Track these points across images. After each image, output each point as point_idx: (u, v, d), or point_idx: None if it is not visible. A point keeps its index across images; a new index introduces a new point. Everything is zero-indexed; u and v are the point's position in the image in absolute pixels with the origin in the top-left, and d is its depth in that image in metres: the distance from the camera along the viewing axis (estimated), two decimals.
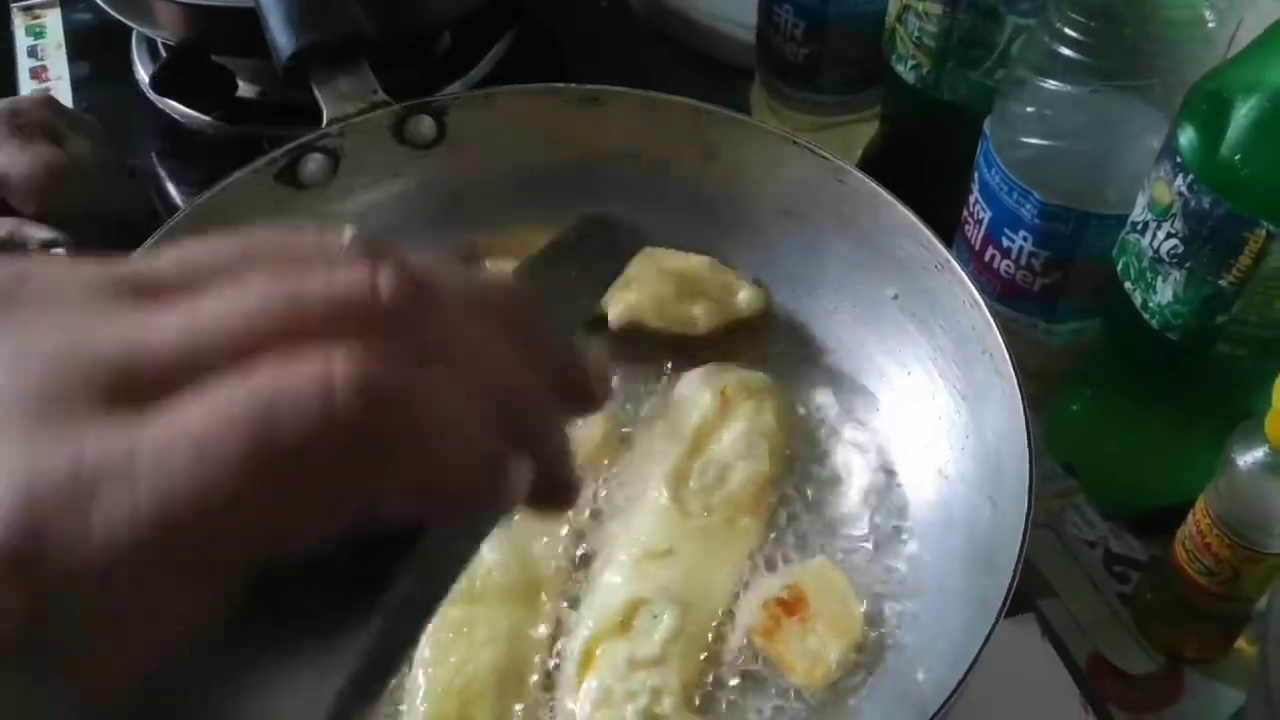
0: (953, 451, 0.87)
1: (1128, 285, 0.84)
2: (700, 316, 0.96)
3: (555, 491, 0.39)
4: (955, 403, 0.88)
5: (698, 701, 0.79)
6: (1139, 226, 0.82)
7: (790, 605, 0.82)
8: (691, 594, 0.82)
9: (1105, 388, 0.96)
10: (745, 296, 0.97)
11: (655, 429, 0.92)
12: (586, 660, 0.79)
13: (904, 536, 0.86)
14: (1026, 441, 0.75)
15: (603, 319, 0.96)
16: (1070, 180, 0.89)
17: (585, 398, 0.39)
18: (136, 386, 0.29)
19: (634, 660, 0.78)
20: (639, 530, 0.86)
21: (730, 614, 0.82)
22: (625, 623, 0.80)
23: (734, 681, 0.80)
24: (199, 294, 0.31)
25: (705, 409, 0.90)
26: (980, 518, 0.81)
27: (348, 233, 0.36)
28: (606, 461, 0.91)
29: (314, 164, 0.95)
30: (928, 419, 0.90)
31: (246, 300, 0.31)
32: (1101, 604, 0.94)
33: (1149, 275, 0.81)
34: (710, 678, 0.80)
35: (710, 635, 0.81)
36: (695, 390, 0.92)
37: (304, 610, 0.32)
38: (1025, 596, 0.93)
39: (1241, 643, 0.90)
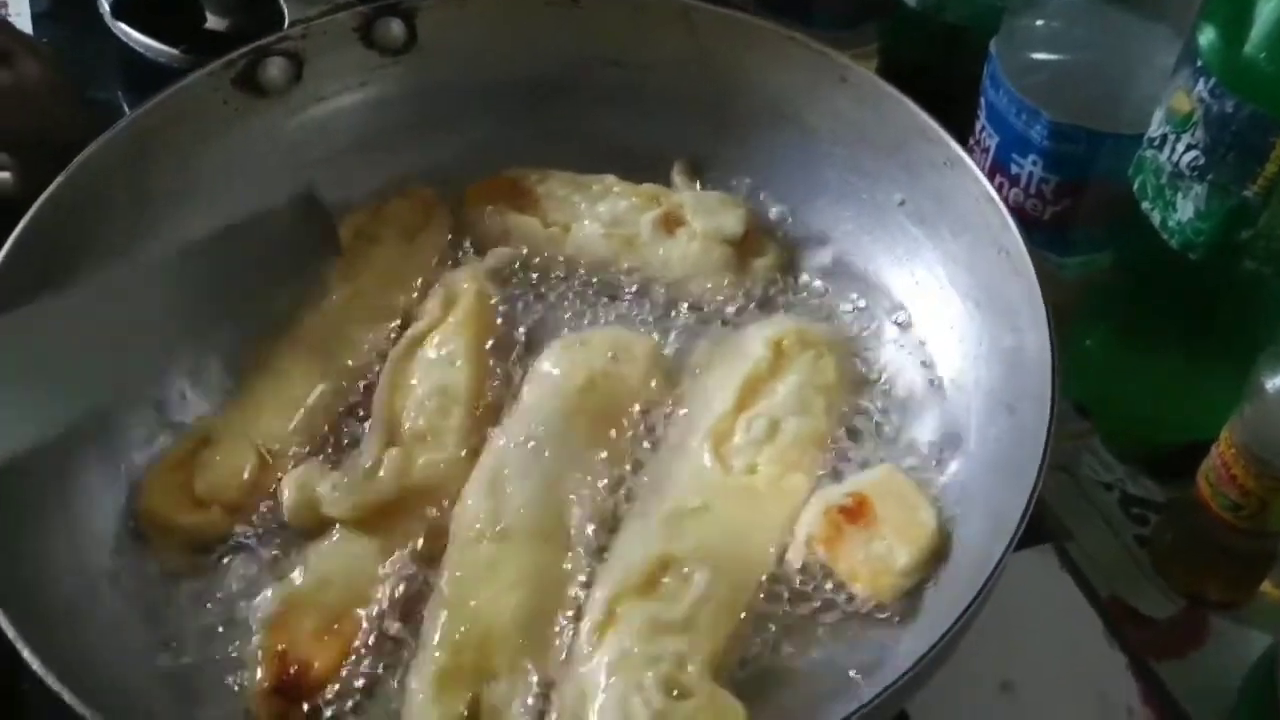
0: (965, 361, 0.84)
1: (1145, 205, 0.80)
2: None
3: None
4: (968, 310, 0.84)
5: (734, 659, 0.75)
6: (1156, 142, 0.78)
7: (854, 512, 0.77)
8: (726, 556, 0.78)
9: (1119, 322, 0.93)
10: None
11: (707, 379, 0.88)
12: (607, 618, 0.76)
13: (935, 451, 0.83)
14: (1048, 339, 0.72)
15: None
16: (1081, 98, 0.86)
17: None
18: None
19: (657, 623, 0.74)
20: (674, 484, 0.82)
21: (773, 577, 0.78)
22: (651, 582, 0.76)
23: (791, 595, 0.77)
24: None
25: (757, 360, 0.86)
26: (998, 427, 0.78)
27: None
28: (653, 409, 0.86)
29: (275, 69, 0.90)
30: (939, 329, 0.86)
31: None
32: (1119, 547, 0.91)
33: (1168, 192, 0.78)
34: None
35: (747, 601, 0.77)
36: (749, 341, 0.88)
37: None
38: (1042, 531, 0.90)
39: (1267, 585, 0.87)
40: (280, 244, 0.86)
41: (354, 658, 0.76)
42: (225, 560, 0.81)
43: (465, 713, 0.73)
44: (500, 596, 0.76)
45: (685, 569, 0.76)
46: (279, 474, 0.83)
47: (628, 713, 0.71)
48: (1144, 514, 0.92)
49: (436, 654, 0.75)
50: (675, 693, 0.72)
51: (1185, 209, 0.76)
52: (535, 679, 0.74)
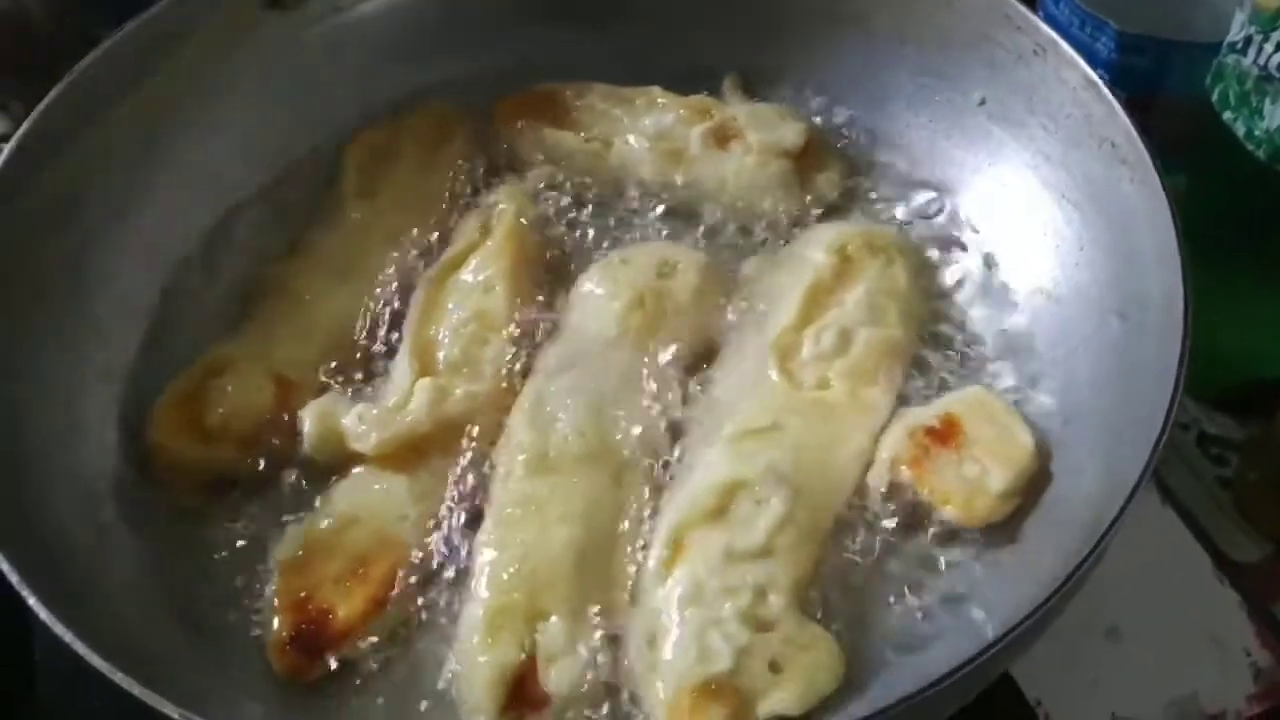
0: (1061, 268, 0.76)
1: (1227, 115, 0.74)
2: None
3: None
4: (1065, 212, 0.77)
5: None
6: (1239, 45, 0.72)
7: (943, 433, 0.71)
8: (804, 477, 0.70)
9: (1193, 249, 0.84)
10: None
11: (766, 292, 0.80)
12: (675, 549, 0.68)
13: (1028, 370, 0.75)
14: (1173, 228, 0.65)
15: None
16: (1150, 6, 0.80)
17: None
18: None
19: (732, 551, 0.67)
20: (738, 403, 0.74)
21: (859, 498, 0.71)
22: (721, 508, 0.69)
23: (875, 519, 0.70)
24: None
25: (819, 268, 0.78)
26: (1106, 338, 0.71)
27: None
28: (707, 326, 0.79)
29: None
30: (1029, 235, 0.79)
31: None
32: (1201, 490, 0.84)
33: (1254, 99, 0.72)
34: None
35: (827, 526, 0.69)
36: (809, 248, 0.80)
37: None
38: None
39: None
40: None
41: (384, 606, 0.69)
42: (241, 499, 0.73)
43: (522, 657, 0.65)
44: (549, 531, 0.69)
45: (758, 493, 0.69)
46: (297, 405, 0.75)
47: (706, 649, 0.64)
48: (1223, 454, 0.85)
49: (484, 595, 0.67)
50: (757, 626, 0.65)
51: (1275, 115, 0.71)
52: (598, 618, 0.67)
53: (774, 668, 0.65)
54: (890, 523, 0.70)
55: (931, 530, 0.70)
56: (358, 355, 0.79)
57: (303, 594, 0.69)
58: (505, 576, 0.68)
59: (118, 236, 0.79)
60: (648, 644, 0.66)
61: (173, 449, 0.73)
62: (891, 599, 0.68)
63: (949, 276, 0.80)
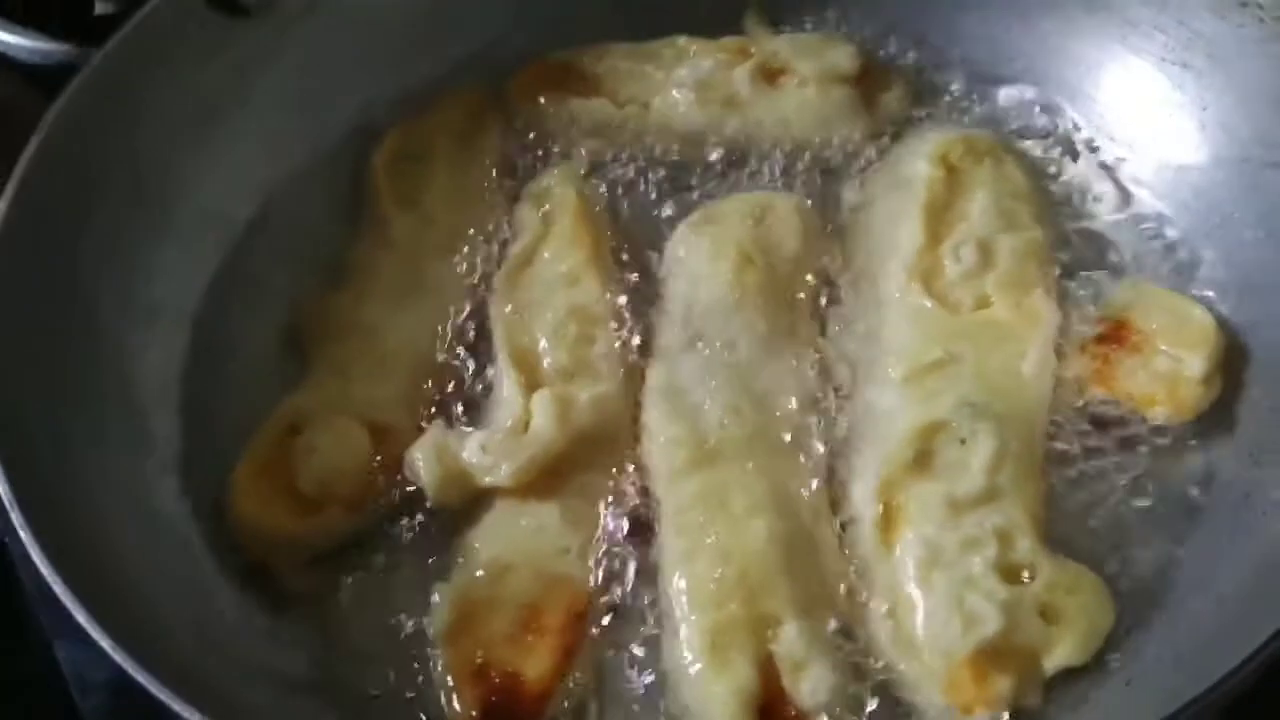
0: (1190, 136, 0.71)
1: None
2: None
3: None
4: (1170, 76, 0.72)
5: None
6: None
7: (1115, 336, 0.65)
8: (1000, 404, 0.63)
9: None
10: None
11: (877, 218, 0.72)
12: (888, 514, 0.60)
13: (1180, 253, 0.70)
14: None
15: None
16: None
17: None
18: None
19: (955, 501, 0.60)
20: (896, 339, 0.66)
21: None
22: (922, 457, 0.61)
23: (1084, 436, 0.63)
24: None
25: (930, 182, 0.71)
26: (1271, 187, 0.66)
27: None
28: (826, 266, 0.71)
29: None
30: (1140, 112, 0.73)
31: None
32: None
33: None
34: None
35: (1043, 450, 0.63)
36: (909, 165, 0.73)
37: None
38: None
39: None
40: None
41: (575, 654, 0.58)
42: (360, 568, 0.62)
43: (763, 673, 0.56)
44: (743, 527, 0.60)
45: (959, 431, 0.61)
46: (398, 449, 0.64)
47: (969, 615, 0.56)
48: None
49: (694, 617, 0.58)
50: (1013, 576, 0.57)
51: None
52: (825, 611, 0.58)
53: (1046, 617, 0.58)
54: (1099, 441, 0.64)
55: (1150, 434, 0.63)
56: (447, 381, 0.68)
57: (478, 660, 0.58)
58: (712, 588, 0.58)
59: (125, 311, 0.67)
60: (893, 623, 0.58)
61: (267, 526, 0.61)
62: (1134, 515, 0.62)
63: (1062, 172, 0.74)
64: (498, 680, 0.57)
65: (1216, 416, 0.63)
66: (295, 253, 0.72)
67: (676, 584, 0.59)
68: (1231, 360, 0.64)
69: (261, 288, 0.71)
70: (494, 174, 0.76)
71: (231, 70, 0.73)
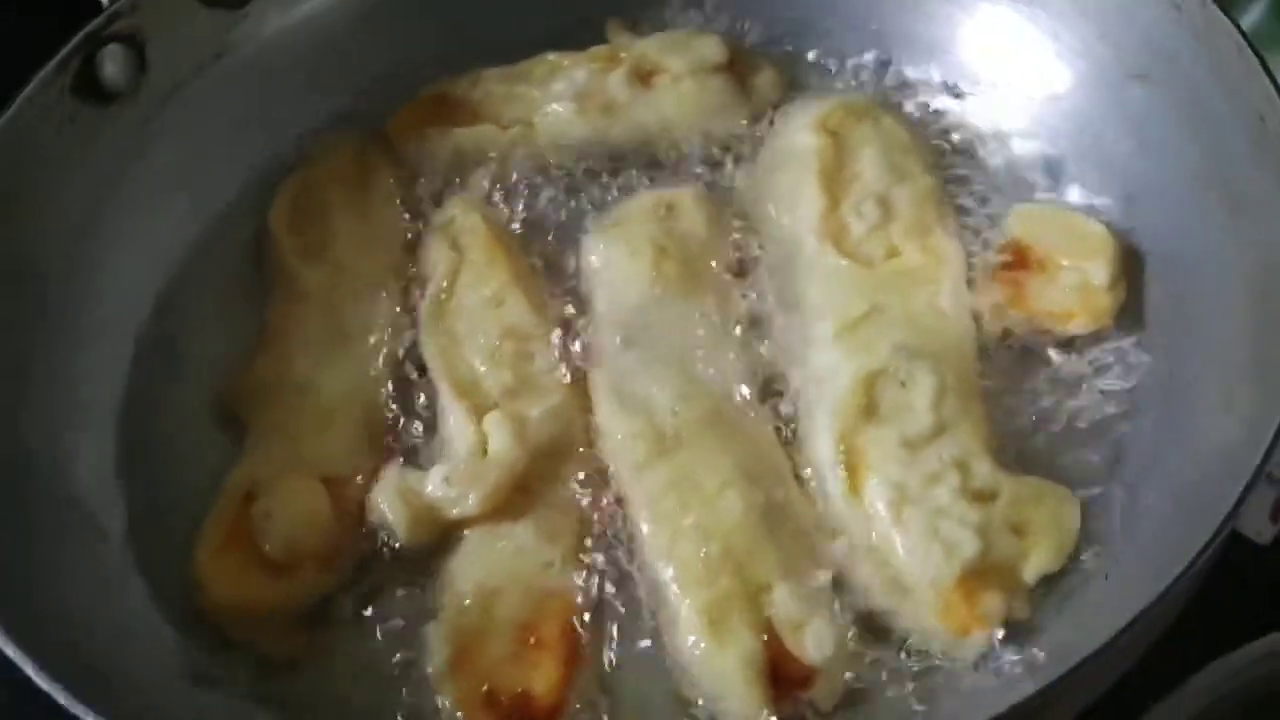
0: (1048, 64, 0.74)
1: None
2: None
3: None
4: (1019, 11, 0.75)
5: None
6: None
7: (1020, 261, 0.69)
8: (929, 342, 0.66)
9: None
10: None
11: (775, 193, 0.74)
12: (849, 464, 0.62)
13: (1062, 173, 0.74)
14: None
15: None
16: None
17: None
18: None
19: (909, 440, 0.62)
20: (819, 302, 0.69)
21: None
22: (869, 405, 0.64)
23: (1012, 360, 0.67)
24: None
25: (818, 150, 0.73)
26: (1129, 106, 0.70)
27: None
28: (738, 247, 0.73)
29: (114, 62, 0.70)
30: (996, 52, 0.77)
31: None
32: None
33: None
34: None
35: (977, 379, 0.66)
36: (793, 137, 0.75)
37: None
38: None
39: None
40: None
41: (578, 662, 0.59)
42: (341, 624, 0.61)
43: (765, 638, 0.57)
44: (716, 504, 0.61)
45: (899, 374, 0.64)
46: (358, 497, 0.63)
47: (949, 543, 0.59)
48: None
49: (687, 600, 0.59)
50: (980, 498, 0.60)
51: None
52: (819, 567, 0.60)
53: (1017, 532, 0.60)
54: (1028, 362, 0.67)
55: (1070, 345, 0.67)
56: (393, 422, 0.67)
57: (484, 689, 0.57)
58: (700, 568, 0.60)
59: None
60: (878, 565, 0.60)
61: (244, 600, 0.60)
62: (1073, 422, 0.65)
63: (937, 121, 0.77)
64: (508, 703, 0.57)
65: (1129, 318, 0.67)
66: (210, 325, 0.71)
67: (664, 572, 0.60)
68: (1129, 264, 0.68)
69: (182, 365, 0.69)
70: (397, 213, 0.76)
71: (112, 158, 0.71)
